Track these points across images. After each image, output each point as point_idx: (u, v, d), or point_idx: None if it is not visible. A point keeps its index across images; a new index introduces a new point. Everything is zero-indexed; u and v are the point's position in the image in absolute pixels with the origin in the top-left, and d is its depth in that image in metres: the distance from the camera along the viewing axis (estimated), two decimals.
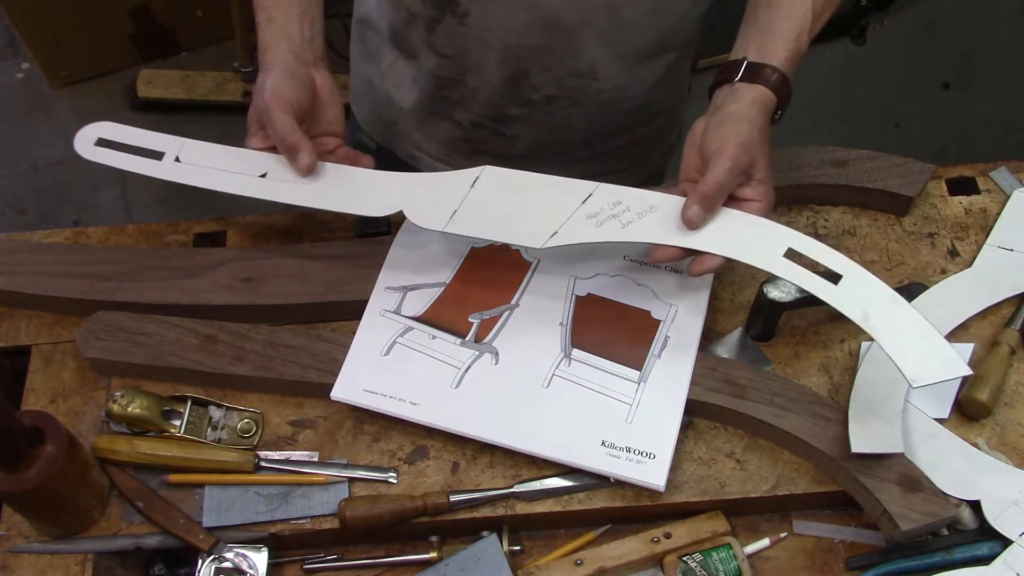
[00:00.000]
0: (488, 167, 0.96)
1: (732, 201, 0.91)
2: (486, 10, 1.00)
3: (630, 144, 1.21)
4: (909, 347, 0.83)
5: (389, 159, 1.25)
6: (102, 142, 1.01)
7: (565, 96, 1.09)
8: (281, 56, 0.96)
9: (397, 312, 0.98)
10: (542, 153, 1.16)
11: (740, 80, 0.92)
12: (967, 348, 0.99)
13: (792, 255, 0.89)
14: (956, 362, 0.82)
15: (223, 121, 2.45)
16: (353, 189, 0.97)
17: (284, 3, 0.97)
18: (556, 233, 0.92)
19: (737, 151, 0.88)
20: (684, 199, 0.92)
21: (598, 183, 0.94)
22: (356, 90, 1.27)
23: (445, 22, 1.03)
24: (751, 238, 0.90)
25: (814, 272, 0.88)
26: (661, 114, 1.22)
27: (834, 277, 0.88)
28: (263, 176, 0.97)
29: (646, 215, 0.91)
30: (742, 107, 0.91)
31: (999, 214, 1.08)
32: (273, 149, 0.97)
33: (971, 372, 0.84)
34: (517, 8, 0.98)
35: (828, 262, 0.88)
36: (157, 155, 0.99)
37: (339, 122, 1.01)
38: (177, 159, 0.99)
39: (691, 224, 0.89)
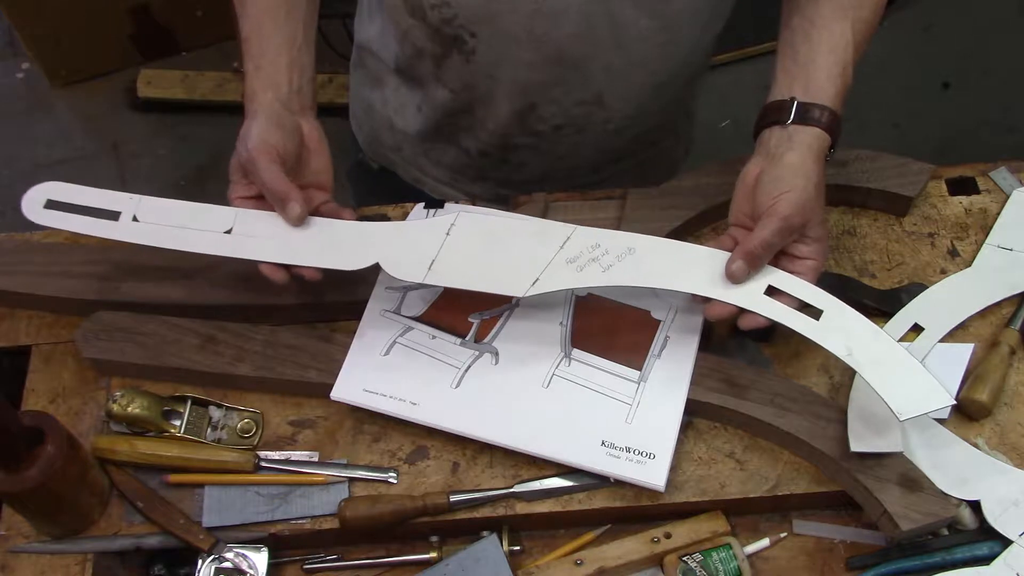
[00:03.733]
0: (462, 212, 0.96)
1: (785, 257, 0.91)
2: (493, 47, 0.99)
3: (636, 167, 1.21)
4: (894, 381, 0.86)
5: (393, 182, 1.24)
6: (52, 204, 0.96)
7: (572, 125, 1.08)
8: (267, 104, 0.92)
9: (397, 312, 0.98)
10: (549, 179, 1.15)
11: (792, 123, 0.90)
12: (967, 348, 0.99)
13: (772, 292, 0.90)
14: (940, 392, 0.85)
15: (223, 121, 2.45)
16: (325, 243, 0.93)
17: (272, 52, 0.94)
18: (537, 280, 0.92)
19: (790, 212, 0.87)
20: (661, 240, 0.92)
21: (575, 226, 0.93)
22: (357, 113, 1.25)
23: (452, 58, 1.02)
24: None
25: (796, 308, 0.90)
26: (668, 135, 1.21)
27: (815, 312, 0.89)
28: (228, 232, 0.93)
29: (625, 257, 0.92)
30: (799, 158, 0.89)
31: (999, 214, 1.08)
32: (256, 199, 0.94)
33: (955, 401, 0.86)
34: (524, 45, 0.97)
35: (808, 298, 0.90)
36: (113, 215, 0.95)
37: (326, 171, 0.97)
38: (135, 218, 0.94)
39: (734, 279, 0.89)
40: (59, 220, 0.95)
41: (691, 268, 0.92)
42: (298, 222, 0.92)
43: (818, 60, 0.91)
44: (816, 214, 0.89)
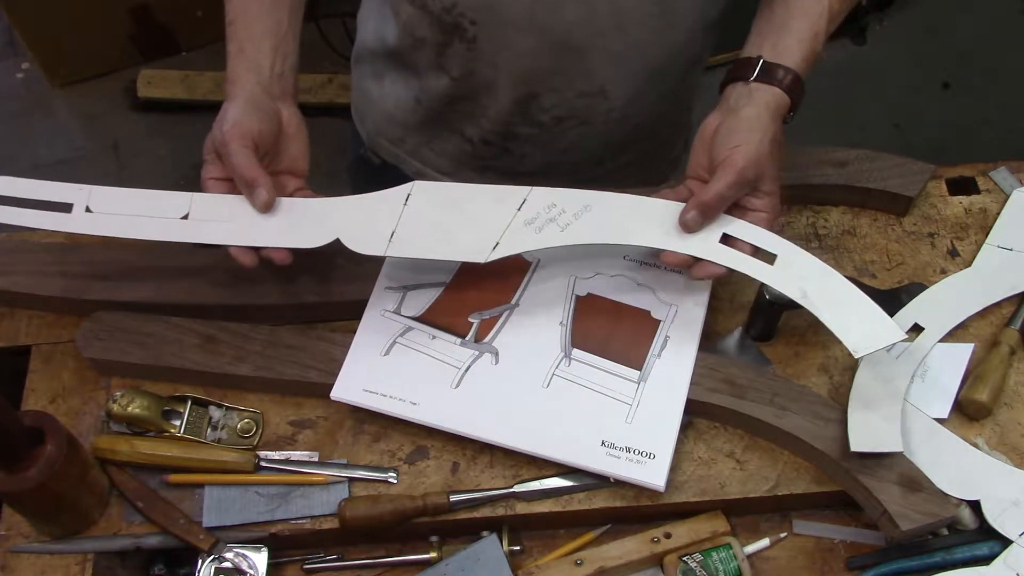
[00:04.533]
0: (418, 182, 0.95)
1: (738, 209, 0.92)
2: (494, 35, 0.99)
3: (638, 158, 1.21)
4: (849, 320, 0.88)
5: (395, 176, 1.24)
6: (1, 200, 0.94)
7: (574, 116, 1.08)
8: (247, 87, 0.92)
9: (397, 312, 0.98)
10: (552, 172, 1.15)
11: (755, 80, 0.91)
12: (967, 348, 0.99)
13: (727, 240, 0.91)
14: (893, 329, 0.86)
15: None
16: (286, 222, 0.92)
17: (257, 35, 0.94)
18: (498, 245, 0.92)
19: (745, 165, 0.88)
20: (617, 195, 0.93)
21: (531, 188, 0.94)
22: (359, 108, 1.26)
23: (453, 47, 1.02)
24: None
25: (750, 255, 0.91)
26: (668, 125, 1.21)
27: (770, 257, 0.91)
28: (185, 217, 0.93)
29: (583, 215, 0.93)
30: (756, 113, 0.90)
31: (999, 214, 1.08)
32: (229, 181, 0.93)
33: (906, 336, 0.86)
34: (525, 32, 0.98)
35: (762, 243, 0.91)
36: (65, 207, 0.94)
37: (302, 158, 0.97)
38: (88, 209, 0.93)
39: (687, 229, 0.90)
40: (10, 216, 0.93)
41: (648, 221, 0.92)
42: (265, 208, 0.92)
43: (791, 24, 0.93)
44: (770, 169, 0.90)
